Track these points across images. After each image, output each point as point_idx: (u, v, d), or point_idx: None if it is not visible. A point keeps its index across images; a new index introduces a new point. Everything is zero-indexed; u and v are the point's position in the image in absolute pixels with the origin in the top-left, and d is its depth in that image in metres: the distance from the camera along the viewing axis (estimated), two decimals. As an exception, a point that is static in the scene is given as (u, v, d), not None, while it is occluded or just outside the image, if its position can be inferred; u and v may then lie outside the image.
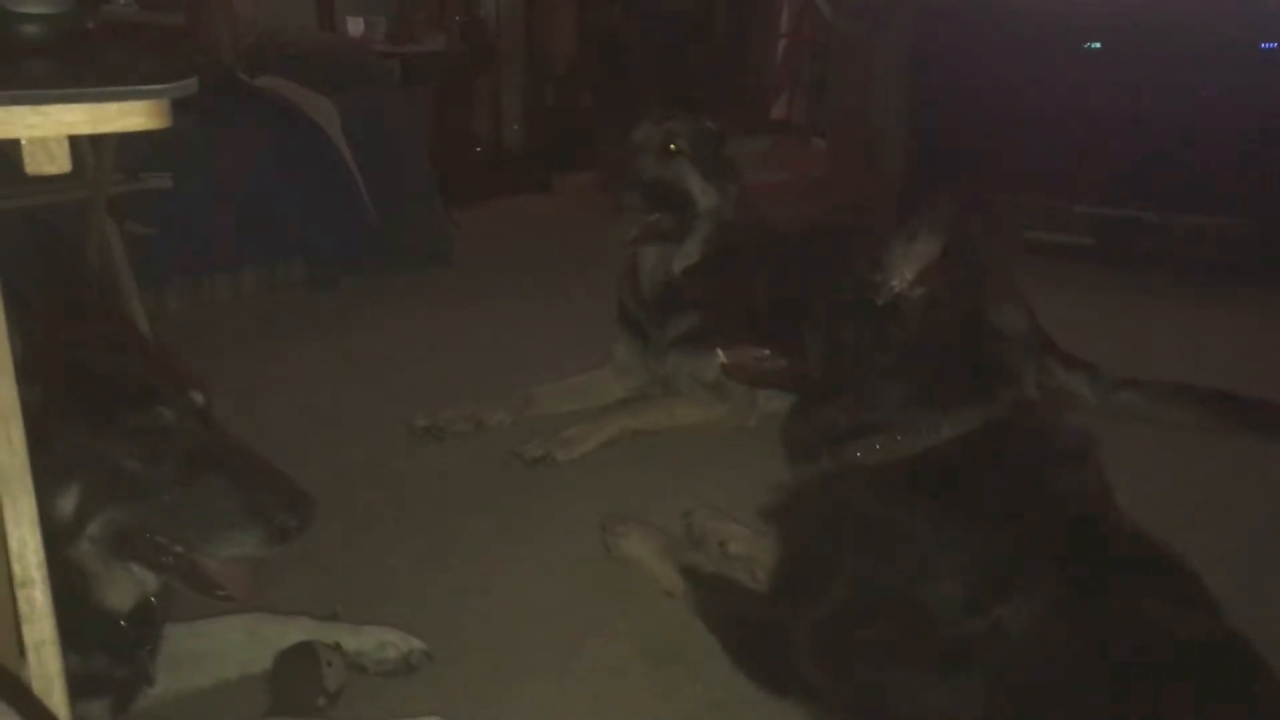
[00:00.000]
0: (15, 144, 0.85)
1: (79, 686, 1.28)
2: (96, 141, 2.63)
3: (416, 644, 1.87)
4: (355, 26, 5.55)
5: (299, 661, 1.74)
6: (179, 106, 3.08)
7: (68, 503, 1.39)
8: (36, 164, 0.86)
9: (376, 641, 1.85)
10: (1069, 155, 4.78)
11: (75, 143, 0.88)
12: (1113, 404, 2.99)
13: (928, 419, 1.61)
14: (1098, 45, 4.70)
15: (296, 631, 1.80)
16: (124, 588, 1.50)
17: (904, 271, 1.64)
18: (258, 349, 3.57)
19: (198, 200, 3.77)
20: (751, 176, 3.07)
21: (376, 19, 5.63)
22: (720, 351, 1.94)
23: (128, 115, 0.84)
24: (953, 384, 1.62)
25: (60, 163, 0.87)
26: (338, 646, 1.79)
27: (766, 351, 1.96)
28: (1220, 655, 1.40)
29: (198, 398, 1.54)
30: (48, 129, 0.83)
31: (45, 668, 1.08)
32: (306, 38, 5.06)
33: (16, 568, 1.06)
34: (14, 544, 1.05)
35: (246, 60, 4.39)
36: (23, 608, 1.07)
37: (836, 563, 1.64)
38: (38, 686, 1.07)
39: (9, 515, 1.05)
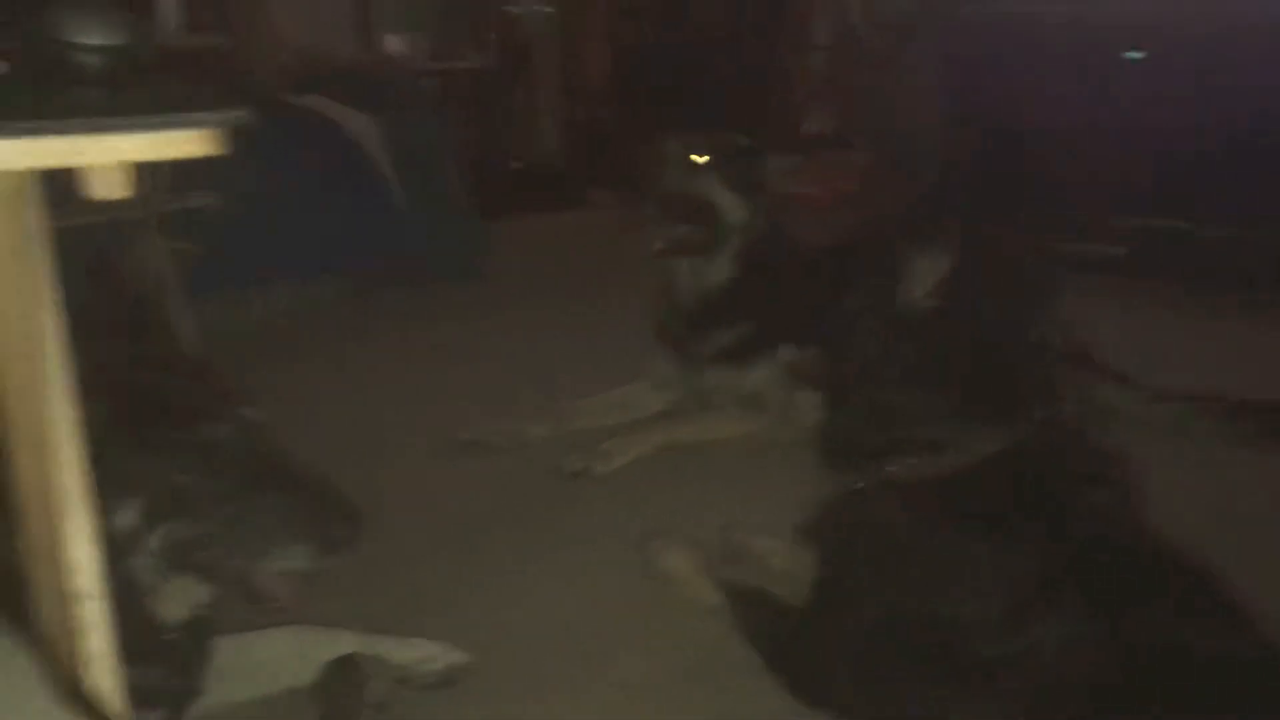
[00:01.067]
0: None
1: (132, 698, 1.31)
2: (151, 163, 2.66)
3: (458, 656, 1.89)
4: (394, 44, 5.64)
5: (344, 674, 1.76)
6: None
7: (126, 518, 1.42)
8: (99, 190, 0.89)
9: (419, 654, 1.88)
10: (1106, 166, 4.75)
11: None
12: (1151, 417, 2.97)
13: (963, 435, 1.61)
14: (1137, 55, 4.66)
15: (342, 644, 1.83)
16: (177, 600, 1.53)
17: (916, 282, 1.65)
18: (300, 363, 3.62)
19: (241, 217, 3.83)
20: (784, 189, 3.06)
21: (414, 37, 5.71)
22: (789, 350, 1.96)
23: (185, 143, 0.87)
24: (986, 399, 1.62)
25: (121, 188, 0.90)
26: (382, 659, 1.82)
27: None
28: (1261, 674, 1.39)
29: (250, 413, 1.58)
30: (109, 157, 0.86)
31: (104, 680, 1.11)
32: (346, 57, 5.14)
33: (77, 581, 1.09)
34: (75, 559, 1.08)
35: (288, 80, 4.46)
36: (81, 620, 1.10)
37: (872, 580, 1.65)
38: (97, 698, 1.09)
39: (69, 531, 1.08)
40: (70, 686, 1.01)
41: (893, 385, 1.68)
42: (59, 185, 0.96)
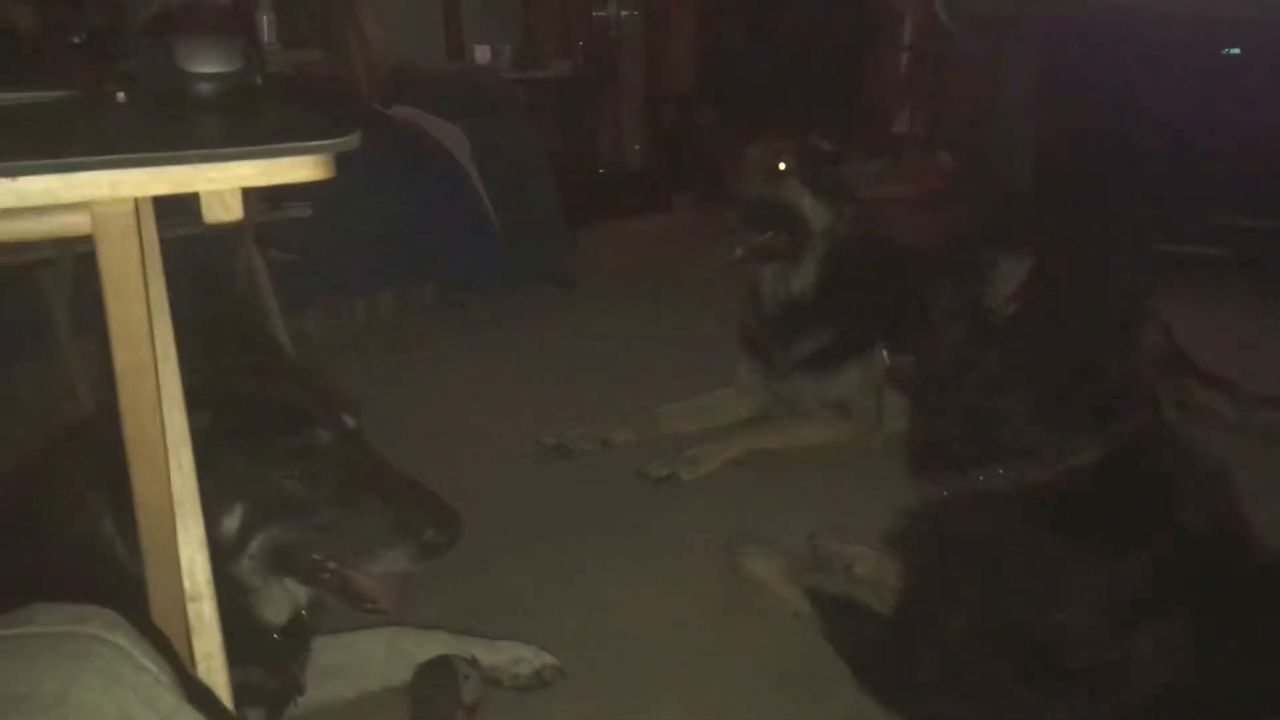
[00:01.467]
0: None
1: (237, 696, 1.36)
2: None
3: (549, 659, 1.92)
4: (483, 54, 5.73)
5: (437, 675, 1.81)
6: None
7: (232, 522, 1.48)
8: (213, 214, 0.93)
9: (511, 656, 1.91)
10: (1205, 165, 4.62)
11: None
12: (1254, 423, 2.89)
13: (1056, 444, 1.59)
14: (1235, 51, 4.53)
15: (435, 645, 1.87)
16: (279, 602, 1.59)
17: (1001, 285, 1.64)
18: (393, 369, 3.71)
19: (336, 227, 3.92)
20: (874, 192, 3.04)
21: (503, 46, 5.80)
22: (885, 353, 1.96)
23: (296, 169, 0.91)
24: (1081, 407, 1.60)
25: (234, 211, 0.94)
26: (474, 661, 1.86)
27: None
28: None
29: (349, 420, 1.63)
30: (224, 183, 0.90)
31: (212, 678, 1.16)
32: (437, 67, 5.24)
33: (187, 583, 1.14)
34: (185, 561, 1.14)
35: (381, 91, 4.56)
36: (192, 621, 1.15)
37: (961, 590, 1.64)
38: (207, 696, 1.14)
39: (181, 535, 1.13)
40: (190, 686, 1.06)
41: (981, 392, 1.66)
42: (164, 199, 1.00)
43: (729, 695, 1.91)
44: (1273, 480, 2.42)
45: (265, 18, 4.62)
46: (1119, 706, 1.42)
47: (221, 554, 1.45)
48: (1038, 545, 1.58)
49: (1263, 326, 3.94)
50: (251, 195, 3.03)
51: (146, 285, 1.05)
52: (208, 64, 1.02)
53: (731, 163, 2.95)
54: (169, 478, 1.11)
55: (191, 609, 1.15)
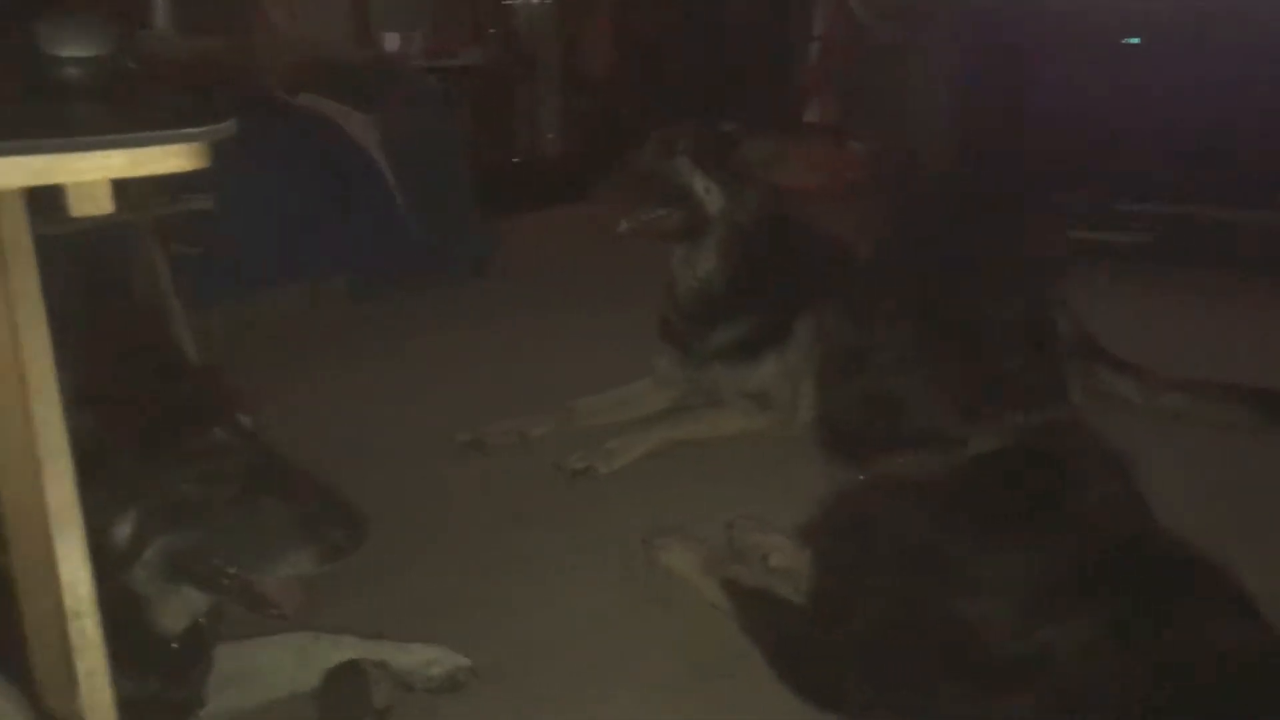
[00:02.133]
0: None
1: (134, 710, 1.30)
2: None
3: (463, 661, 1.88)
4: (392, 41, 5.61)
5: (347, 680, 1.75)
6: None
7: (124, 530, 1.41)
8: (80, 207, 0.87)
9: (423, 659, 1.86)
10: (1120, 153, 4.71)
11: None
12: (1161, 406, 2.95)
13: (959, 431, 1.59)
14: (1136, 40, 4.63)
15: (344, 650, 1.82)
16: (176, 610, 1.52)
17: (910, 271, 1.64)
18: (302, 365, 3.61)
19: (240, 219, 3.81)
20: (771, 177, 3.03)
21: (413, 33, 5.68)
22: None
23: (168, 158, 0.86)
24: (984, 394, 1.60)
25: (103, 204, 0.88)
26: (385, 664, 1.81)
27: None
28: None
29: (247, 419, 1.57)
30: (90, 174, 0.85)
31: (97, 696, 1.10)
32: (344, 54, 5.12)
33: (68, 600, 1.08)
34: (65, 577, 1.07)
35: (286, 79, 4.45)
36: (74, 639, 1.09)
37: (873, 580, 1.63)
38: (90, 715, 1.08)
39: (60, 550, 1.07)
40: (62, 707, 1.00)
41: (888, 376, 1.66)
42: (50, 192, 0.95)
43: (647, 692, 1.88)
44: (1177, 463, 2.48)
45: (159, 1, 4.46)
46: (1038, 698, 1.42)
47: (113, 563, 1.39)
48: (947, 536, 1.58)
49: (1168, 310, 4.03)
50: (146, 188, 2.94)
51: (15, 282, 0.99)
52: (74, 47, 0.95)
53: (634, 147, 2.92)
54: (43, 487, 1.04)
55: (74, 627, 1.09)
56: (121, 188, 0.89)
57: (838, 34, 7.04)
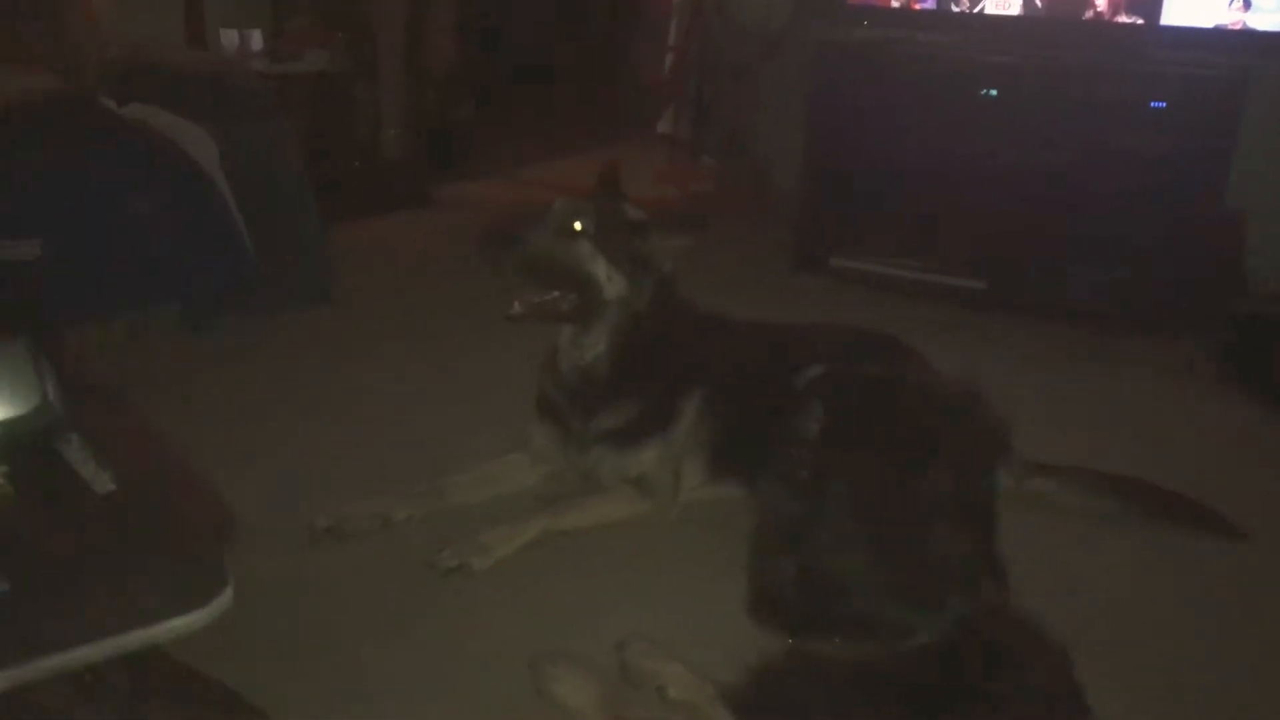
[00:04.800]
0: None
1: None
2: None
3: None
4: (229, 40, 5.18)
5: None
6: (35, 140, 2.74)
7: None
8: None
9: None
10: (962, 196, 4.79)
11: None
12: (1026, 490, 2.96)
13: (896, 621, 1.52)
14: (994, 93, 4.72)
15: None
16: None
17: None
18: (126, 413, 3.25)
19: (61, 245, 3.44)
20: (637, 192, 2.94)
21: (251, 31, 5.26)
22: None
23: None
24: (923, 583, 1.54)
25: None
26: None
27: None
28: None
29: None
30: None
31: None
32: (177, 55, 4.69)
33: None
34: None
35: (110, 82, 4.03)
36: None
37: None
38: None
39: None
40: None
41: (821, 555, 1.57)
42: None
43: None
44: (1039, 550, 2.47)
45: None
46: None
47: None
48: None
49: (1013, 361, 4.06)
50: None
51: None
52: None
53: (525, 213, 2.75)
54: None
55: None
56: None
57: (689, 45, 6.96)
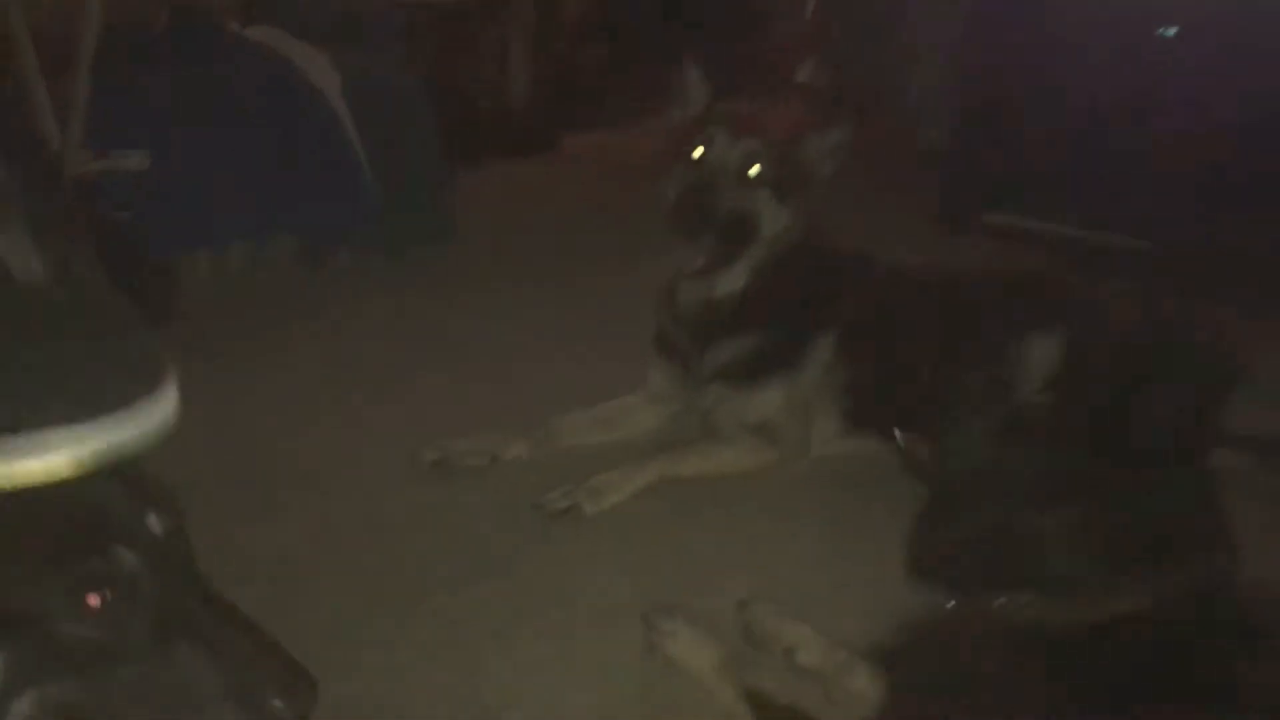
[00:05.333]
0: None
1: None
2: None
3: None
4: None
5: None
6: (154, 59, 2.59)
7: None
8: None
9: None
10: (1130, 149, 4.37)
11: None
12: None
13: (1099, 580, 1.25)
14: (1171, 32, 4.28)
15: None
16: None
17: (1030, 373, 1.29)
18: (240, 344, 3.14)
19: (178, 170, 3.34)
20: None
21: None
22: (898, 432, 1.58)
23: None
24: (1137, 538, 1.26)
25: None
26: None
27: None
28: None
29: (158, 523, 1.17)
30: None
31: None
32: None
33: None
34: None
35: (236, 7, 3.94)
36: None
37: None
38: None
39: None
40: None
41: (1012, 506, 1.31)
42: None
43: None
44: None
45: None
46: None
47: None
48: (1059, 697, 1.25)
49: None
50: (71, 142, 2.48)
51: None
52: None
53: (690, 163, 2.49)
54: None
55: None
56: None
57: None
